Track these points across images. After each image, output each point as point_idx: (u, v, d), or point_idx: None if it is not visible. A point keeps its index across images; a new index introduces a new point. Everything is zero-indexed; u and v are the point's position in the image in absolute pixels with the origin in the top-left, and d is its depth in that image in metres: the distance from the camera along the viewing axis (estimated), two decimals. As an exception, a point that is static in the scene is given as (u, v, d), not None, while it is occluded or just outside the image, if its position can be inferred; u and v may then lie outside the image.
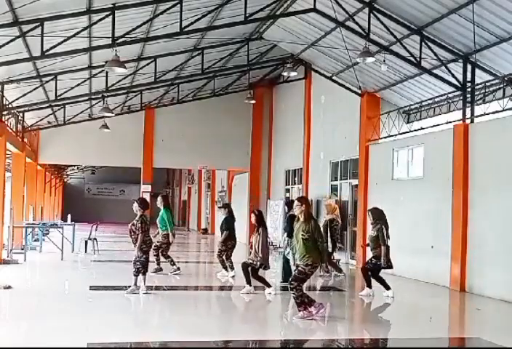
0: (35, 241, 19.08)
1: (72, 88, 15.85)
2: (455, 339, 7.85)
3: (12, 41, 10.72)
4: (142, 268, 9.64)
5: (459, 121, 12.01)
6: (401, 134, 14.33)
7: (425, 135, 13.21)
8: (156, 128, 22.53)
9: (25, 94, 15.39)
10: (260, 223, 10.27)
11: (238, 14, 12.99)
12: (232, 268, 12.19)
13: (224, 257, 12.19)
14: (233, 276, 12.04)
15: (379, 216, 10.19)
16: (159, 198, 12.80)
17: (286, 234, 10.95)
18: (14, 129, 17.20)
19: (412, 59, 12.15)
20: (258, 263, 9.90)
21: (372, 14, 11.69)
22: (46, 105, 18.00)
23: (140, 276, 9.65)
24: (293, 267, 10.57)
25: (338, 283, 12.34)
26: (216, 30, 13.87)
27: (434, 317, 8.66)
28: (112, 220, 36.58)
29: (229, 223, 12.25)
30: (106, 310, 8.54)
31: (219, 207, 13.37)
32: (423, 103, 14.20)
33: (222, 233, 12.22)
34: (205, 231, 31.54)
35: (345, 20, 12.56)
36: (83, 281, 11.14)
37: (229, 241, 12.11)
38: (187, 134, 22.48)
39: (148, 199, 16.65)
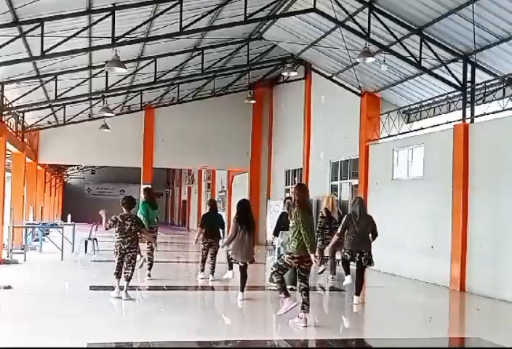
0: (35, 241, 19.08)
1: (72, 88, 15.85)
2: (455, 339, 7.86)
3: (12, 41, 10.71)
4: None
5: (459, 121, 12.01)
6: (401, 134, 14.33)
7: (425, 135, 13.21)
8: (156, 128, 22.54)
9: (25, 94, 15.37)
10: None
11: (238, 14, 12.99)
12: (202, 270, 11.92)
13: (202, 257, 11.89)
14: (202, 278, 11.82)
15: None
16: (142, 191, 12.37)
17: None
18: (14, 129, 17.19)
19: (412, 59, 12.16)
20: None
21: (371, 14, 11.69)
22: (46, 105, 18.00)
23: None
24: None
25: (338, 284, 12.32)
26: (216, 30, 13.87)
27: (434, 317, 8.65)
28: (112, 220, 36.51)
29: (202, 219, 12.03)
30: (106, 310, 8.54)
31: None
32: (423, 103, 14.20)
33: None
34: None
35: (345, 20, 12.56)
36: (83, 281, 11.14)
37: (204, 239, 11.79)
38: (187, 134, 22.49)
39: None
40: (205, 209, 34.34)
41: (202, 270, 12.01)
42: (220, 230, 11.92)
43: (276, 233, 11.17)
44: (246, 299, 9.91)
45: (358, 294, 9.43)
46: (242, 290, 9.61)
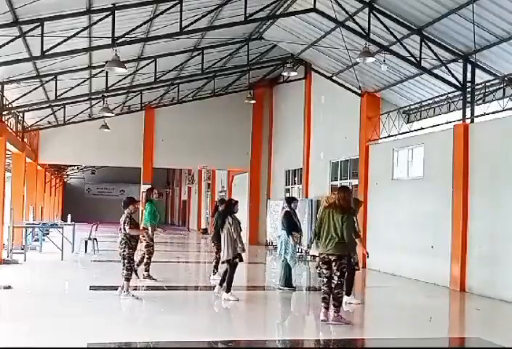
0: (35, 241, 19.08)
1: (72, 88, 15.84)
2: (455, 339, 7.86)
3: (12, 41, 10.71)
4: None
5: (459, 121, 12.01)
6: (401, 134, 14.33)
7: (425, 135, 13.21)
8: (156, 128, 22.53)
9: (25, 94, 15.38)
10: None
11: (238, 14, 12.99)
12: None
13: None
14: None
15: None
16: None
17: (285, 233, 10.74)
18: (14, 129, 17.19)
19: (412, 59, 12.16)
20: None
21: (371, 14, 11.69)
22: (46, 105, 18.00)
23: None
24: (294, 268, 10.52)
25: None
26: (216, 30, 13.86)
27: (434, 317, 8.65)
28: (112, 220, 36.56)
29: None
30: (106, 310, 8.54)
31: None
32: (423, 103, 14.20)
33: None
34: (205, 231, 31.49)
35: (345, 20, 12.56)
36: (83, 281, 11.14)
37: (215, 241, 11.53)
38: (187, 134, 22.49)
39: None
40: (205, 210, 34.54)
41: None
42: None
43: (290, 232, 10.77)
44: (246, 300, 9.93)
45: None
46: (220, 284, 9.65)
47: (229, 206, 9.65)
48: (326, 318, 7.79)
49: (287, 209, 10.82)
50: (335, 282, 7.73)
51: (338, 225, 7.68)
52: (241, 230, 9.46)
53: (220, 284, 9.72)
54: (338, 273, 7.72)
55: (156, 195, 11.88)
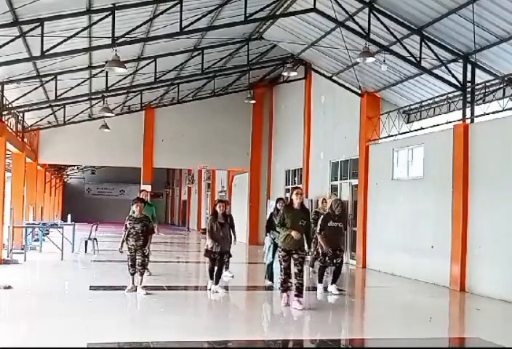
0: (35, 241, 19.08)
1: (72, 88, 15.85)
2: (455, 339, 7.86)
3: (12, 41, 10.72)
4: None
5: (459, 121, 12.01)
6: (401, 134, 14.33)
7: (425, 135, 13.21)
8: (156, 128, 22.54)
9: (25, 94, 15.39)
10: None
11: (238, 14, 13.00)
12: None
13: None
14: (232, 276, 11.97)
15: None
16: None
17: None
18: (14, 129, 17.20)
19: (412, 59, 12.15)
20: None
21: (371, 14, 11.69)
22: (46, 105, 18.00)
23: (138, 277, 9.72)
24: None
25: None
26: (216, 30, 13.86)
27: (434, 317, 8.66)
28: (112, 220, 36.57)
29: None
30: (106, 310, 8.54)
31: None
32: (423, 103, 14.20)
33: None
34: (205, 231, 31.47)
35: (345, 20, 12.55)
36: (83, 281, 11.14)
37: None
38: (187, 134, 22.50)
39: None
40: (205, 210, 34.55)
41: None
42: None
43: (268, 231, 11.06)
44: (246, 300, 9.92)
45: (336, 282, 10.35)
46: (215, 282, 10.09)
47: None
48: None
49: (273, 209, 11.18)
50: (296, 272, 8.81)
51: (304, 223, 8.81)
52: (222, 232, 10.07)
53: (216, 281, 10.04)
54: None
55: (147, 197, 12.12)
